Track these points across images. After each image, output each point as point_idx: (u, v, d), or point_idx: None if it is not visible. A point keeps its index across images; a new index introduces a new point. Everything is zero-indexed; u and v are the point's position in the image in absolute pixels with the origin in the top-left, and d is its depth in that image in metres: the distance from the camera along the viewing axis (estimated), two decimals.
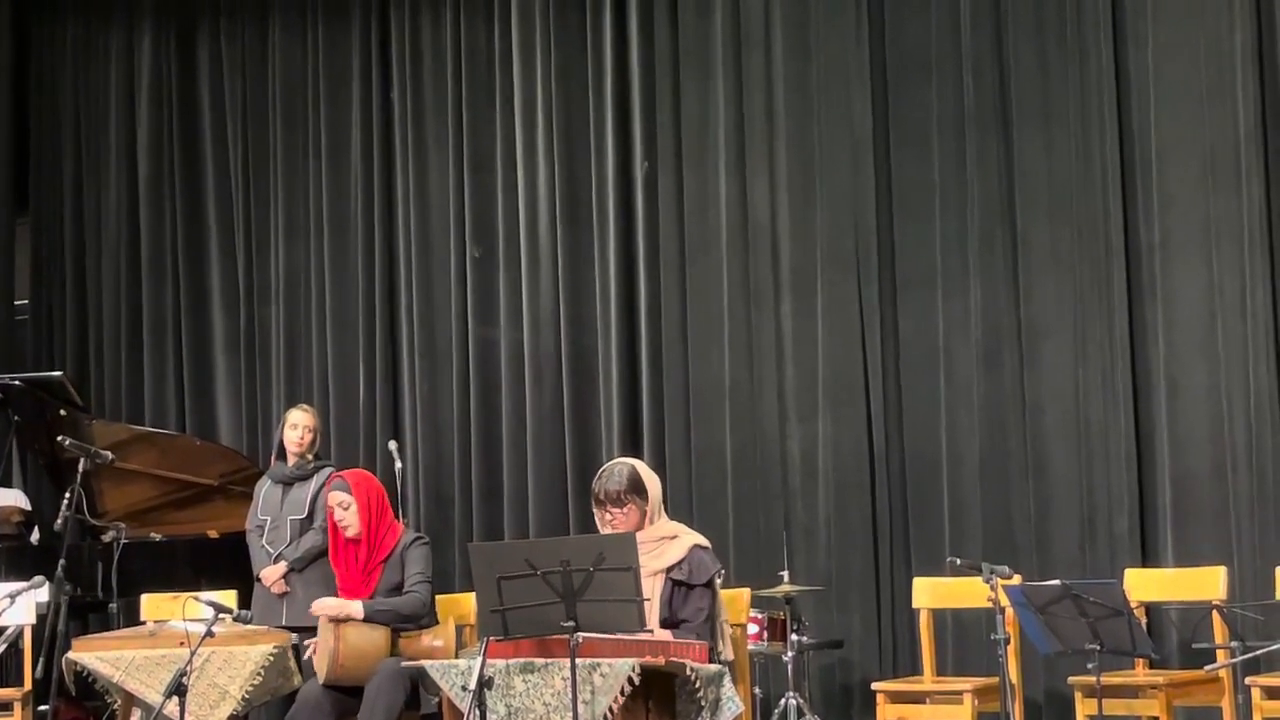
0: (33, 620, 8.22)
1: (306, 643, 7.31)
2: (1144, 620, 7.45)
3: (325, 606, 7.07)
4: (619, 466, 6.41)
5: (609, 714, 5.68)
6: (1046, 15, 8.83)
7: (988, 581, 6.41)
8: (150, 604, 8.30)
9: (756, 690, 8.35)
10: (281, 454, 8.55)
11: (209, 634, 6.48)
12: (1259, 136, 8.30)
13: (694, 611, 6.23)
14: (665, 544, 6.31)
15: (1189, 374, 8.45)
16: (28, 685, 8.17)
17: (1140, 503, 8.48)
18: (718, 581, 6.39)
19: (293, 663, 7.35)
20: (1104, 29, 8.65)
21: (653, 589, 6.16)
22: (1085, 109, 8.68)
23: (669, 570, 6.24)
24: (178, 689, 6.10)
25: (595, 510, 6.39)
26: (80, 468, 7.67)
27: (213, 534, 9.47)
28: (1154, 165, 8.55)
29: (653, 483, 6.40)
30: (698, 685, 5.84)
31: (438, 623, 7.22)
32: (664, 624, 6.17)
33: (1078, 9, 8.72)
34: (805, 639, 8.36)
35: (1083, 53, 8.70)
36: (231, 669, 7.14)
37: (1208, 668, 6.56)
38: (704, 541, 6.37)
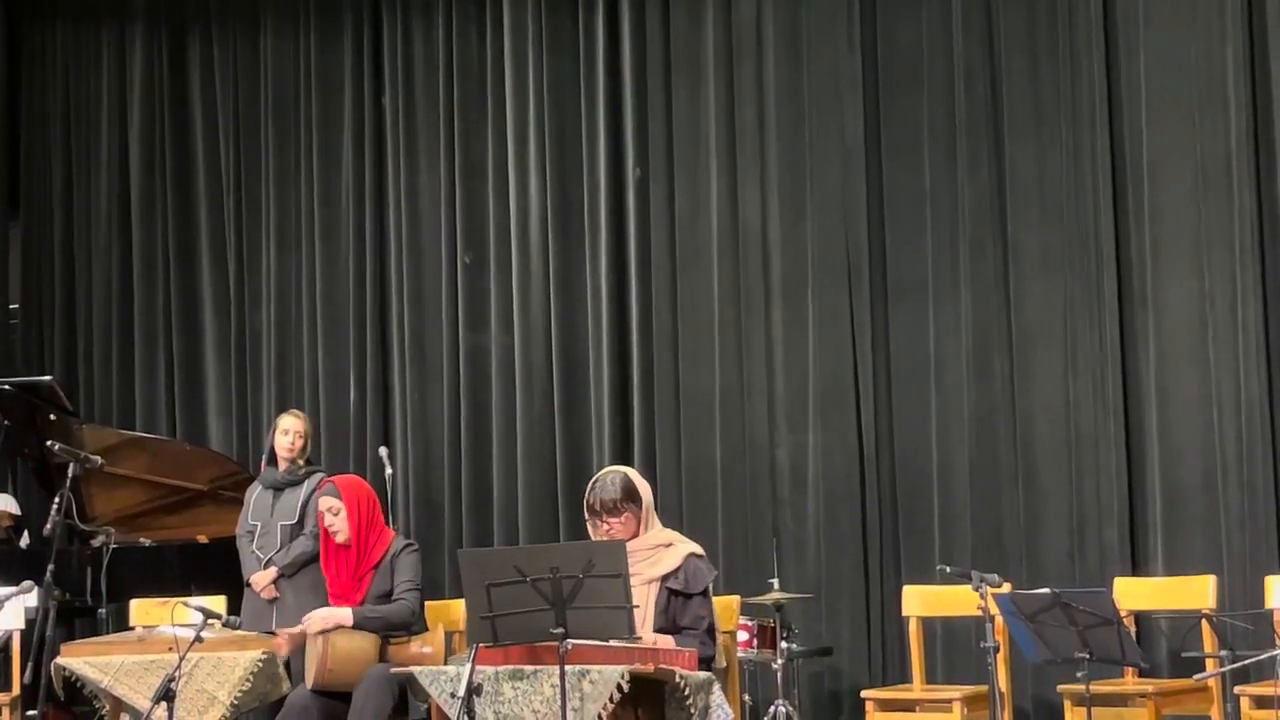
0: (21, 625, 8.22)
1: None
2: (1133, 629, 7.45)
3: (315, 621, 7.05)
4: (611, 475, 6.39)
5: None
6: (1038, 24, 8.84)
7: (977, 589, 6.41)
8: (139, 609, 8.29)
9: (746, 697, 8.35)
10: (272, 459, 8.54)
11: (198, 639, 6.46)
12: (1250, 146, 8.32)
13: (695, 619, 6.22)
14: (660, 552, 6.30)
15: (1180, 383, 8.46)
16: (16, 690, 8.15)
17: (1130, 512, 8.50)
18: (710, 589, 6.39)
19: (281, 668, 7.34)
20: (1095, 38, 8.67)
21: (646, 597, 6.16)
22: (1076, 118, 8.69)
23: (664, 579, 6.24)
24: (166, 694, 6.09)
25: (589, 521, 6.36)
26: (70, 472, 7.65)
27: (202, 539, 9.45)
28: (1145, 174, 8.57)
29: (645, 490, 6.39)
30: (687, 692, 5.83)
31: (427, 629, 7.21)
32: (663, 632, 6.16)
33: (1069, 18, 8.74)
34: (795, 646, 8.34)
35: (1074, 62, 8.72)
36: (220, 674, 7.13)
37: (1197, 677, 6.56)
38: (699, 550, 6.36)
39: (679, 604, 6.22)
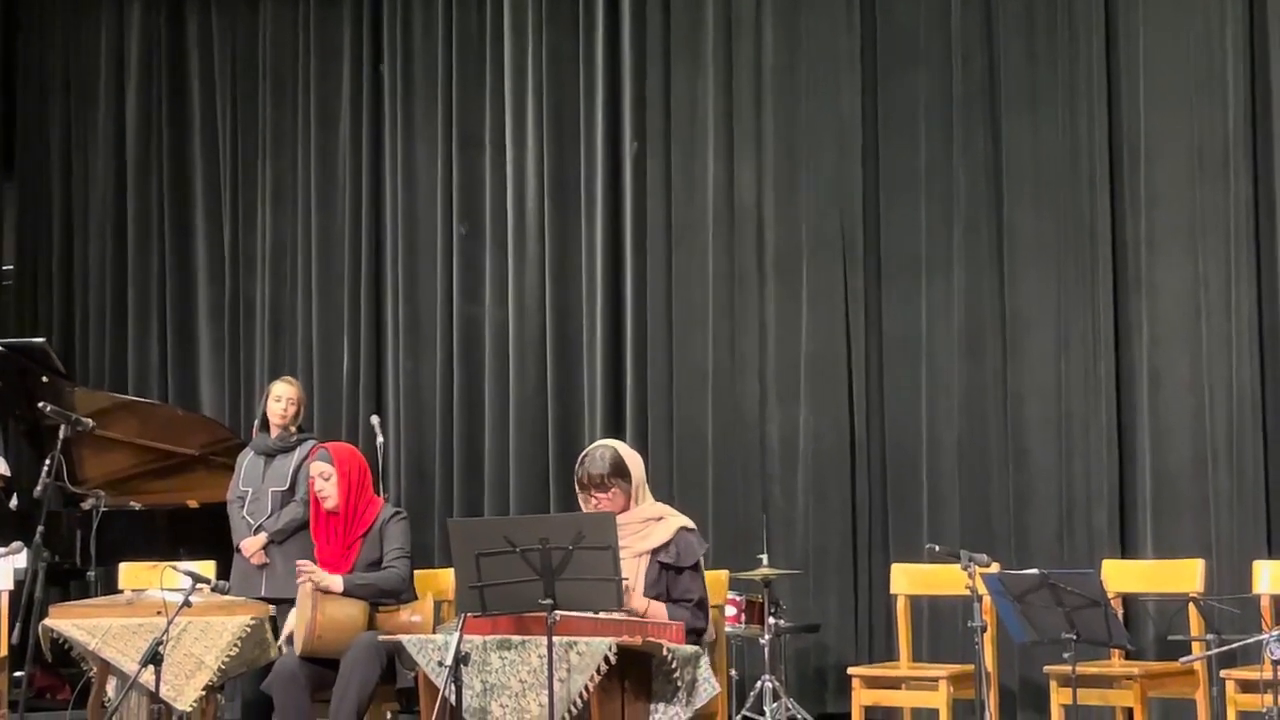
0: (10, 586, 8.21)
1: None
2: (1121, 611, 7.46)
3: (309, 566, 7.05)
4: (600, 450, 6.39)
5: (585, 692, 5.69)
6: (1037, 4, 8.83)
7: (965, 569, 6.43)
8: (128, 573, 8.29)
9: (733, 672, 8.37)
10: (264, 426, 8.54)
11: (186, 604, 6.47)
12: (1247, 131, 8.31)
13: (684, 592, 6.24)
14: (651, 525, 6.31)
15: (1172, 367, 8.47)
16: (3, 651, 8.14)
17: (1120, 494, 8.50)
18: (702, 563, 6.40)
19: (270, 634, 7.35)
20: (1095, 19, 8.66)
21: (637, 570, 6.16)
22: (1074, 99, 8.68)
23: (655, 552, 6.24)
24: (154, 658, 6.09)
25: (579, 494, 6.37)
26: (61, 435, 7.65)
27: (192, 504, 9.46)
28: (1142, 157, 8.56)
29: (635, 464, 6.39)
30: (674, 666, 5.84)
31: (416, 598, 7.22)
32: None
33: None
34: (782, 622, 8.37)
35: (1073, 42, 8.71)
36: (208, 639, 7.13)
37: (1183, 660, 6.58)
38: (690, 524, 6.37)
39: (670, 577, 6.24)
